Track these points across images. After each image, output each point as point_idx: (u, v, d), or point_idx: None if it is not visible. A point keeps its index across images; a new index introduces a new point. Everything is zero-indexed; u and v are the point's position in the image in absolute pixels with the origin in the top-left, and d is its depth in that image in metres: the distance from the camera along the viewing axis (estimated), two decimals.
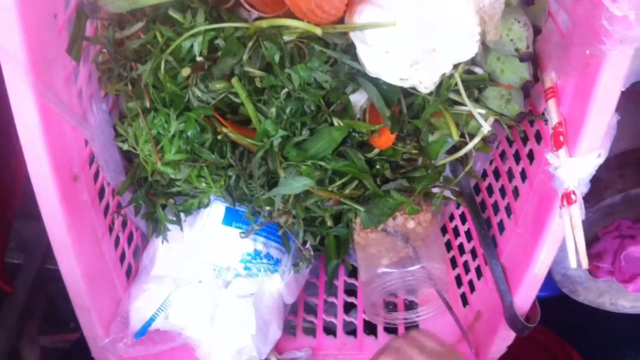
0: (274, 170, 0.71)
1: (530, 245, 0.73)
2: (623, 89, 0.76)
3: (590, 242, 1.09)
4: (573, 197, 0.65)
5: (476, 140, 0.74)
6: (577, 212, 0.65)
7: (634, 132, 1.05)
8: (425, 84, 0.67)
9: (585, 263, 0.65)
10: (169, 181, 0.76)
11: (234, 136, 0.70)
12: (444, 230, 0.98)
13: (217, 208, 0.81)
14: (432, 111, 0.70)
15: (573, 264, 0.66)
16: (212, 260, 0.83)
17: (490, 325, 0.83)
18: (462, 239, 0.93)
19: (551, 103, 0.68)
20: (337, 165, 0.71)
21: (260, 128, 0.67)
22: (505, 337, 0.81)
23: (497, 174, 0.85)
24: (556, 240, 0.71)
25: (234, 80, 0.65)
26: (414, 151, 0.76)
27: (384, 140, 0.73)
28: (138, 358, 0.84)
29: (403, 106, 0.71)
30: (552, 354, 1.24)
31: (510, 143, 0.81)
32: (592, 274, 1.11)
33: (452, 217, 0.97)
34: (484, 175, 0.88)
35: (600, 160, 0.66)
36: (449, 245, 0.96)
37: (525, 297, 0.77)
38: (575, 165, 0.65)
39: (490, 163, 0.87)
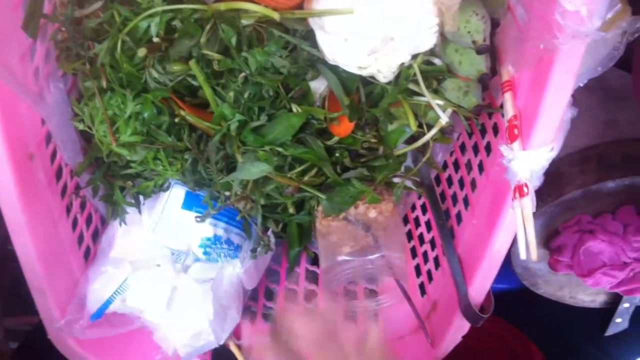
0: (232, 155, 0.71)
1: (485, 237, 0.74)
2: (581, 85, 0.77)
3: (550, 236, 1.11)
4: (525, 189, 0.66)
5: (434, 130, 0.74)
6: (528, 204, 0.66)
7: (596, 128, 1.07)
8: (384, 73, 0.68)
9: (534, 255, 0.66)
10: (125, 163, 0.75)
11: (192, 119, 0.69)
12: (405, 220, 0.99)
13: (177, 192, 0.81)
14: (391, 100, 0.70)
15: (522, 255, 0.67)
16: (171, 244, 0.83)
17: (446, 315, 0.83)
18: (423, 229, 0.94)
19: (507, 96, 0.68)
20: (296, 152, 0.71)
21: (218, 111, 0.67)
22: (460, 327, 0.81)
23: (457, 166, 0.86)
24: (510, 232, 0.72)
25: (192, 63, 0.65)
26: (373, 140, 0.77)
27: (343, 128, 0.74)
28: (95, 340, 0.83)
29: (362, 95, 0.72)
30: (511, 348, 1.26)
31: (470, 135, 0.82)
32: (552, 267, 1.13)
33: (414, 208, 0.98)
34: (445, 166, 0.89)
35: (553, 154, 0.67)
36: (410, 235, 0.97)
37: (479, 287, 0.78)
38: (528, 158, 0.66)
39: (451, 154, 0.88)
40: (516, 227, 0.70)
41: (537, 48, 0.60)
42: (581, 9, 0.55)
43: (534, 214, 1.07)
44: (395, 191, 0.83)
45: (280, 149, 0.70)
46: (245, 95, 0.67)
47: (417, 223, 0.96)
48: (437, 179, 0.91)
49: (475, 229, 0.79)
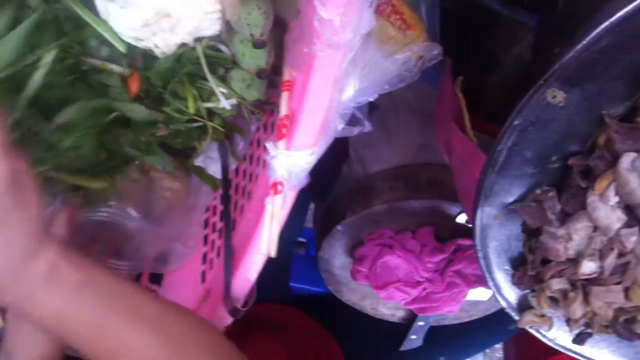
0: None
1: (253, 230, 0.75)
2: (371, 99, 0.79)
3: (356, 246, 1.14)
4: (280, 187, 0.67)
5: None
6: (279, 202, 0.67)
7: (411, 149, 1.11)
8: (162, 49, 0.67)
9: (273, 252, 0.67)
10: None
11: None
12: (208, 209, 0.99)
13: None
14: (168, 77, 0.70)
15: (263, 249, 0.68)
16: None
17: (214, 305, 0.84)
18: (217, 218, 0.94)
19: (284, 96, 0.69)
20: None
21: None
22: (222, 317, 0.82)
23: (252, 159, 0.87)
24: None
25: None
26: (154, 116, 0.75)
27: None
28: None
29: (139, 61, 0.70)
30: (313, 344, 1.28)
31: (265, 130, 0.83)
32: (353, 276, 1.16)
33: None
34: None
35: (313, 159, 0.68)
36: (206, 223, 0.97)
37: (242, 280, 0.78)
38: (288, 159, 0.67)
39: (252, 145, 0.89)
40: (281, 222, 0.71)
41: (303, 52, 0.62)
42: (335, 19, 0.56)
43: (344, 221, 1.10)
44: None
45: None
46: None
47: (215, 212, 0.96)
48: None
49: (249, 222, 0.79)
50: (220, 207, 0.94)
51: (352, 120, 0.75)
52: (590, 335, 0.78)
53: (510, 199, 0.69)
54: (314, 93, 0.62)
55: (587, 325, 0.76)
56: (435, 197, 1.05)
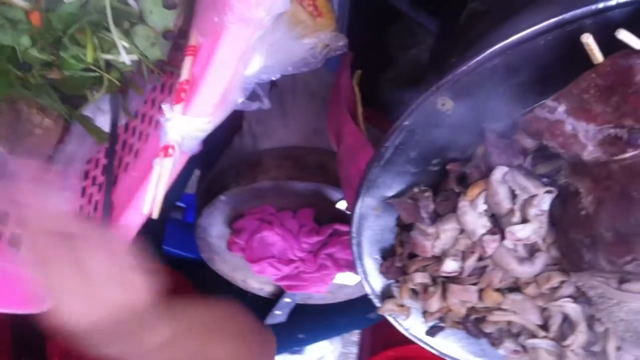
0: None
1: (135, 190, 0.74)
2: (273, 78, 0.80)
3: (236, 217, 1.16)
4: (171, 151, 0.67)
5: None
6: (168, 165, 0.67)
7: (305, 132, 1.14)
8: None
9: (155, 213, 0.67)
10: None
11: None
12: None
13: None
14: (70, 22, 0.67)
15: (145, 209, 0.68)
16: None
17: None
18: (98, 171, 0.91)
19: (187, 60, 0.69)
20: None
21: None
22: None
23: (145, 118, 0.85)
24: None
25: None
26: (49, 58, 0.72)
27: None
28: None
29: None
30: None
31: (163, 90, 0.82)
32: (228, 246, 1.17)
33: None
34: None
35: (209, 127, 0.68)
36: (86, 176, 0.94)
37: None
38: (184, 123, 0.67)
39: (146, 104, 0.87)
40: (165, 184, 0.70)
41: (212, 20, 0.62)
42: None
43: (228, 191, 1.11)
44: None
45: None
46: None
47: (97, 165, 0.93)
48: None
49: (133, 181, 0.78)
50: (103, 161, 0.91)
51: (252, 96, 0.76)
52: (442, 329, 0.84)
53: (390, 193, 0.73)
54: (218, 63, 0.62)
55: (441, 319, 0.82)
56: (321, 181, 1.09)
